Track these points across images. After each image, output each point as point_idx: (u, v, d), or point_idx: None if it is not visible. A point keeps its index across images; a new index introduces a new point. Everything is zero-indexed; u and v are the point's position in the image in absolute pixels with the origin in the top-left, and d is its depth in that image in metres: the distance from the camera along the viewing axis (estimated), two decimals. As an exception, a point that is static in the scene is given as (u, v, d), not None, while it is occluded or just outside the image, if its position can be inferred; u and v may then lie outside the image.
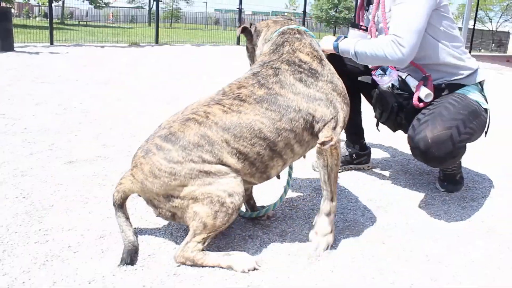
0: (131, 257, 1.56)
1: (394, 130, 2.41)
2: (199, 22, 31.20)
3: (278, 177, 1.85)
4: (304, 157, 1.84)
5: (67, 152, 2.66)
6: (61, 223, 1.80)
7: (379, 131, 2.47)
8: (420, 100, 2.16)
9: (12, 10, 11.50)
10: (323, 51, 2.27)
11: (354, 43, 2.11)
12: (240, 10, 14.19)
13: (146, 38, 13.76)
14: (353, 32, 2.34)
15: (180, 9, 43.01)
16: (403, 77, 2.24)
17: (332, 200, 1.75)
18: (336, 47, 2.19)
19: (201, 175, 1.53)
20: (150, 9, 34.14)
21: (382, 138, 3.31)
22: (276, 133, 1.61)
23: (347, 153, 2.65)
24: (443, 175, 2.42)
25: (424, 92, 2.13)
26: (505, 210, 2.20)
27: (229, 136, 1.57)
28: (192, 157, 1.54)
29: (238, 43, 14.55)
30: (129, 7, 42.54)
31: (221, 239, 1.74)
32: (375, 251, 1.73)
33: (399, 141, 3.30)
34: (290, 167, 2.00)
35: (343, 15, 37.35)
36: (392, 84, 2.25)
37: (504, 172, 2.78)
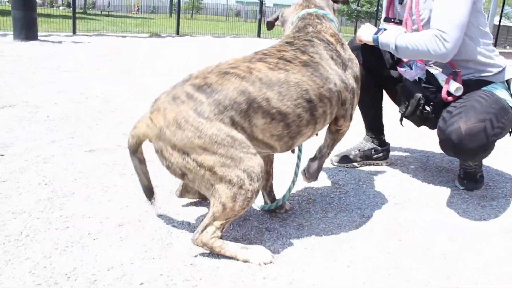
0: (148, 197, 1.75)
1: (419, 125, 2.38)
2: (220, 13, 31.20)
3: (293, 151, 1.89)
4: (317, 134, 1.83)
5: (88, 141, 2.70)
6: (82, 210, 1.84)
7: (402, 126, 2.43)
8: (449, 94, 2.13)
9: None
10: (360, 41, 2.28)
11: (395, 37, 2.10)
12: (261, 2, 14.16)
13: (167, 29, 13.80)
14: (387, 26, 2.31)
15: (201, 0, 43.03)
16: (431, 70, 2.22)
17: (327, 155, 1.93)
18: (376, 40, 2.19)
19: (226, 141, 1.43)
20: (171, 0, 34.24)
21: (401, 135, 3.28)
22: (319, 98, 1.62)
23: (366, 148, 2.64)
24: (463, 173, 2.39)
25: (455, 86, 2.10)
26: (526, 210, 2.17)
27: (273, 94, 1.52)
28: (223, 117, 1.45)
29: (258, 35, 14.51)
30: (151, -2, 42.70)
31: (237, 231, 1.76)
32: (391, 248, 1.72)
33: (419, 138, 3.27)
34: (298, 158, 2.01)
35: (365, 8, 36.88)
36: (419, 78, 2.22)
37: (526, 171, 2.73)
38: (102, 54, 6.99)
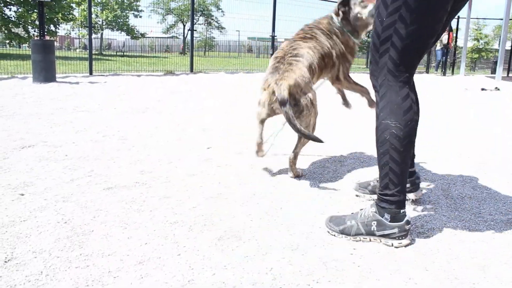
0: (319, 140, 2.58)
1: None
2: (233, 50, 31.68)
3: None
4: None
5: (106, 178, 2.71)
6: (101, 248, 1.83)
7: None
8: None
9: (55, 43, 12.02)
10: None
11: None
12: (273, 38, 14.35)
13: (181, 66, 14.07)
14: None
15: (214, 38, 43.89)
16: None
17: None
18: None
19: (312, 83, 2.71)
20: (184, 38, 35.08)
21: (421, 162, 3.24)
22: (325, 54, 2.88)
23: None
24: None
25: None
26: (555, 236, 2.10)
27: (316, 53, 2.79)
28: (311, 65, 2.70)
29: (271, 70, 14.65)
30: (165, 37, 43.79)
31: (260, 265, 1.72)
32: (418, 278, 1.67)
33: (439, 165, 3.22)
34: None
35: (375, 39, 37.17)
36: None
37: (552, 196, 2.66)
38: (118, 93, 7.12)
